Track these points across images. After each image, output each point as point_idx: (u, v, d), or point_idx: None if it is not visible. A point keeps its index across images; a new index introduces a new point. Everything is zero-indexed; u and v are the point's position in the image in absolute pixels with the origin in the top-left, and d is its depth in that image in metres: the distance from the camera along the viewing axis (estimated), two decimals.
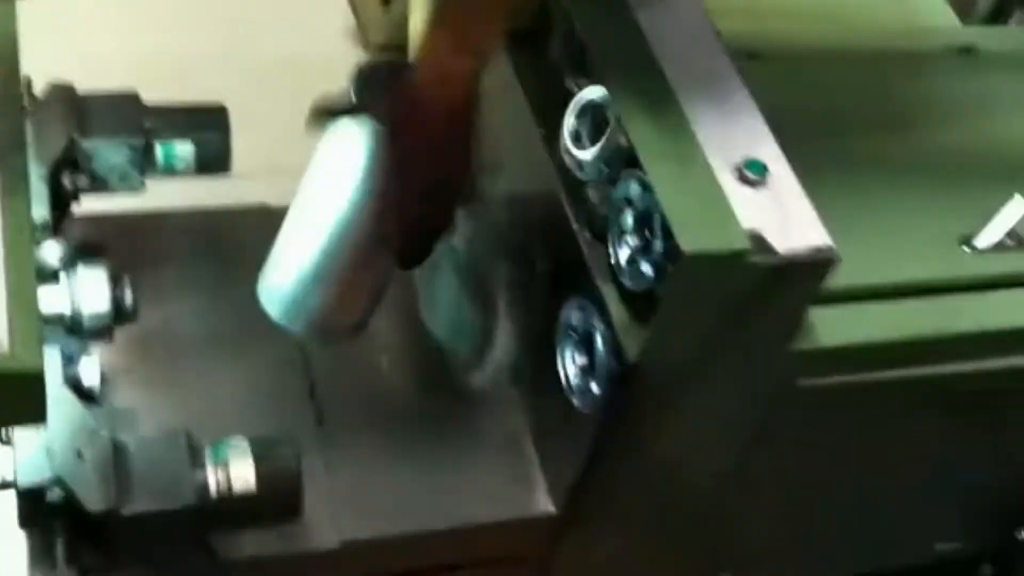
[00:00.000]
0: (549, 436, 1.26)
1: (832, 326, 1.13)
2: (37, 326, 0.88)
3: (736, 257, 1.00)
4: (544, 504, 1.26)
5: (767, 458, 1.26)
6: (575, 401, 1.17)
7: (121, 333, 1.12)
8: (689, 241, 0.99)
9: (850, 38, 1.43)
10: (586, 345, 1.15)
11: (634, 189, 1.06)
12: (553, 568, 1.31)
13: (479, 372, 1.27)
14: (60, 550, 1.02)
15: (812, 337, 1.13)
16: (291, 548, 1.16)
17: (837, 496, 1.38)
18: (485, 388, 1.27)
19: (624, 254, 1.07)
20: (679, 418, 1.16)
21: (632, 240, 1.07)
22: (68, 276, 1.08)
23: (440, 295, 1.28)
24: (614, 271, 1.09)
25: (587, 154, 1.12)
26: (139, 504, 1.01)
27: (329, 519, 1.18)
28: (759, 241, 1.01)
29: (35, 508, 1.02)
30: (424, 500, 1.24)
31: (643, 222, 1.05)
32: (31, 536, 1.09)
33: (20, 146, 0.98)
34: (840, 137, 1.27)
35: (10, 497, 1.04)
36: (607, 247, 1.09)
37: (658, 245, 1.02)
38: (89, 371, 1.09)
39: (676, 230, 0.99)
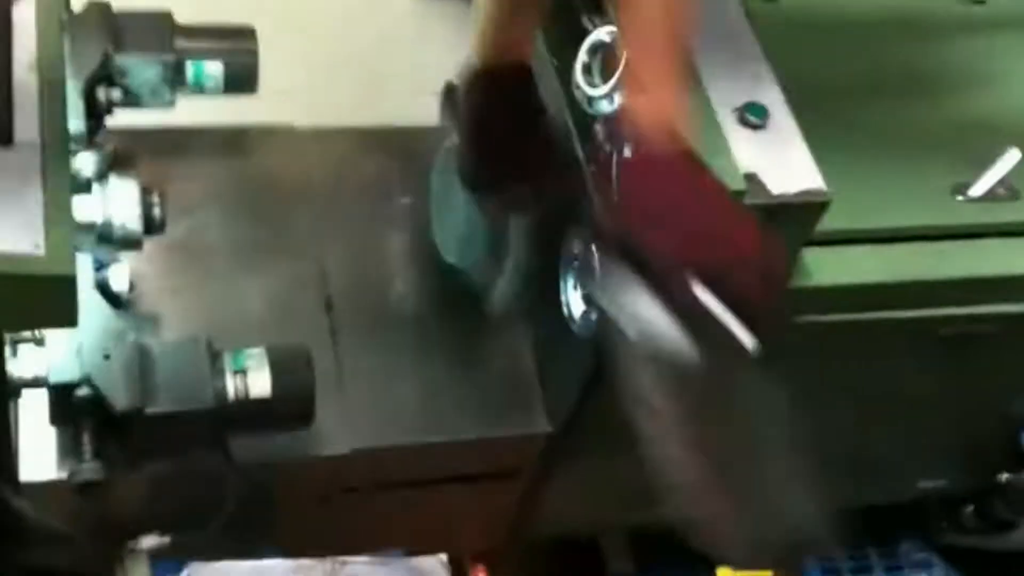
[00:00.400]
0: (549, 359, 1.32)
1: (826, 266, 1.18)
2: (71, 233, 0.94)
3: (733, 196, 1.05)
4: (541, 422, 1.33)
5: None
6: (575, 327, 1.22)
7: (149, 243, 1.18)
8: None
9: None
10: (587, 274, 1.20)
11: None
12: (547, 483, 1.38)
13: (486, 292, 1.32)
14: (87, 445, 1.09)
15: (807, 276, 1.17)
16: (303, 452, 1.24)
17: (824, 431, 1.42)
18: (491, 309, 1.33)
19: None
20: None
21: None
22: (101, 187, 1.14)
23: (451, 215, 1.33)
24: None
25: (597, 91, 1.16)
26: (161, 404, 1.08)
27: (340, 427, 1.25)
28: (754, 182, 1.06)
29: (64, 405, 1.09)
30: (431, 414, 1.31)
31: None
32: (60, 432, 1.17)
33: (58, 60, 1.03)
34: (847, 84, 1.30)
35: (41, 396, 1.11)
36: (610, 181, 1.14)
37: None
38: (118, 277, 1.16)
39: None
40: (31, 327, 1.02)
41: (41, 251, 0.91)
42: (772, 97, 1.11)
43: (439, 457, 1.33)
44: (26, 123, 0.97)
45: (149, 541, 1.15)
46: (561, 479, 1.37)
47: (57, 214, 0.93)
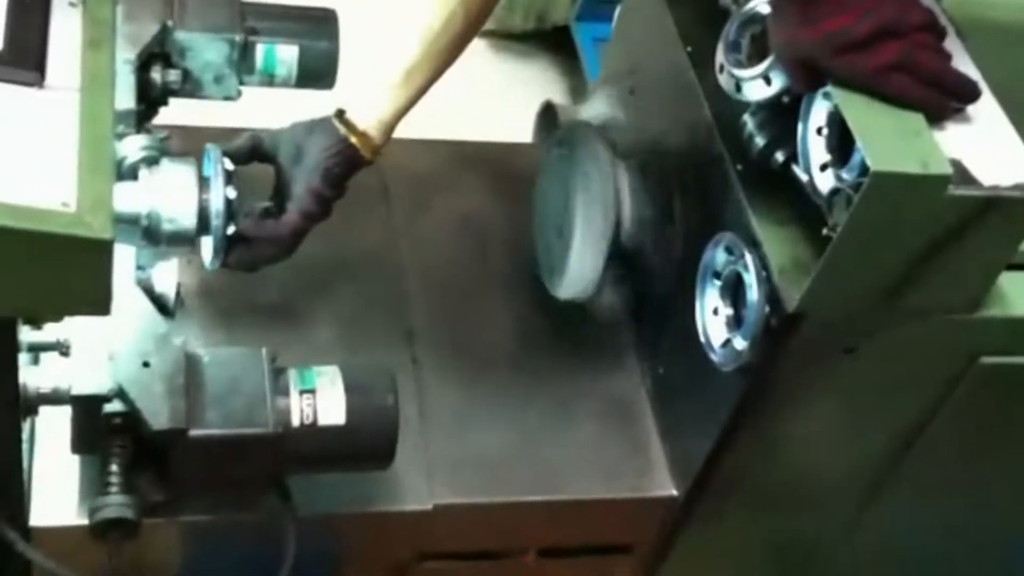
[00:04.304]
0: (675, 401, 1.11)
1: None
2: (109, 187, 0.75)
3: (932, 183, 0.85)
4: (663, 483, 1.10)
5: (927, 453, 1.09)
6: (714, 358, 1.01)
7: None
8: (880, 159, 0.84)
9: None
10: (732, 292, 1.00)
11: (825, 105, 0.90)
12: (668, 560, 1.15)
13: (592, 317, 1.12)
14: (116, 476, 0.88)
15: (1005, 303, 0.97)
16: (375, 505, 1.02)
17: (996, 513, 1.21)
18: (596, 341, 1.13)
19: (823, 179, 0.91)
20: (835, 388, 1.00)
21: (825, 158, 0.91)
22: (151, 174, 0.95)
23: (559, 232, 1.13)
24: (770, 204, 0.95)
25: (750, 72, 0.96)
26: (209, 425, 0.87)
27: (421, 477, 1.04)
28: (959, 169, 0.86)
29: (90, 424, 0.88)
30: (528, 468, 1.09)
31: (839, 143, 0.90)
32: (84, 467, 0.96)
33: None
34: None
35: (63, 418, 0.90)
36: (765, 177, 0.95)
37: (849, 170, 0.87)
38: (164, 277, 0.96)
39: (865, 146, 0.84)
40: (52, 307, 0.81)
41: (71, 208, 0.73)
42: (971, 75, 0.91)
43: (536, 522, 1.11)
44: (63, 65, 0.80)
45: None
46: (685, 556, 1.14)
47: (94, 162, 0.75)
